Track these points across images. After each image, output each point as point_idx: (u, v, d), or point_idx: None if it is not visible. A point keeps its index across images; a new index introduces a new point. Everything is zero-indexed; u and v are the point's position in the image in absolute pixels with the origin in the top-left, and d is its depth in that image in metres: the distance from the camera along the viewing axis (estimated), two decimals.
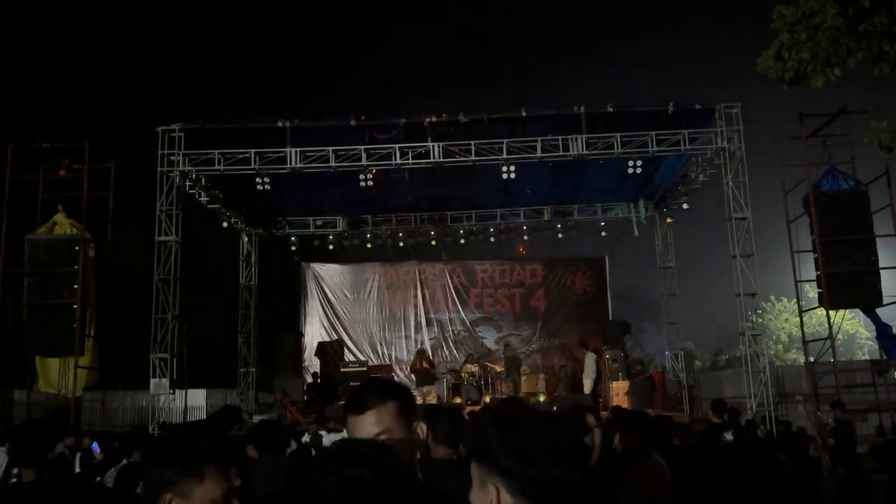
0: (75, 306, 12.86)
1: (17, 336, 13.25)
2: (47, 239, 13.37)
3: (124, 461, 5.80)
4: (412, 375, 18.52)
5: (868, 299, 13.02)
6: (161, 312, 14.25)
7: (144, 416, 14.76)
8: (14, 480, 5.18)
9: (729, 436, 7.61)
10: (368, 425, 2.05)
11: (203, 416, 16.81)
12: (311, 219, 19.74)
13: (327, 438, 8.89)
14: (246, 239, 19.42)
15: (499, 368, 18.62)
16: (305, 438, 8.95)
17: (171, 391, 14.13)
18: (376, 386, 2.16)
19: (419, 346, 20.26)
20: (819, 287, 13.33)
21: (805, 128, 13.48)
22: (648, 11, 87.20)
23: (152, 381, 13.96)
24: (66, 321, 12.91)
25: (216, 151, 14.66)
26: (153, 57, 58.37)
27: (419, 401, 17.05)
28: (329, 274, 22.00)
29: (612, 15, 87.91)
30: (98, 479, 5.75)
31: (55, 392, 13.58)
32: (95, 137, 13.84)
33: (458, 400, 17.11)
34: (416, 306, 21.67)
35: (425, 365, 17.91)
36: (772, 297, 41.16)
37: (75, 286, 12.93)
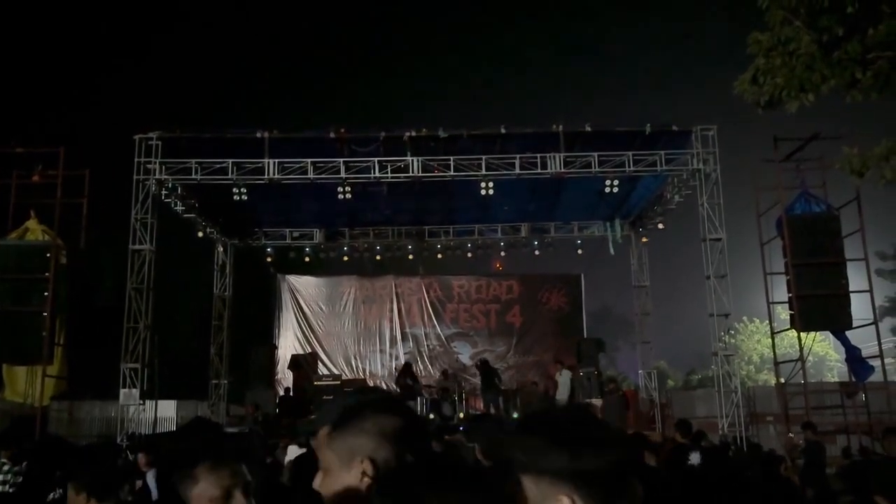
0: (45, 314, 12.64)
1: None
2: (18, 245, 13.17)
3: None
4: (397, 389, 18.48)
5: (838, 322, 13.19)
6: (133, 322, 14.07)
7: (113, 426, 14.51)
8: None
9: (696, 457, 7.64)
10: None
11: (173, 427, 16.58)
12: (287, 230, 19.64)
13: (292, 452, 8.70)
14: (221, 249, 19.27)
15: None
16: (292, 454, 8.54)
17: (142, 402, 13.92)
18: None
19: (405, 360, 20.18)
20: (791, 309, 13.48)
21: (779, 152, 13.68)
22: (627, 33, 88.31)
23: (122, 391, 13.75)
24: (35, 329, 12.68)
25: (193, 161, 14.55)
26: (130, 64, 57.94)
27: None
28: (304, 286, 21.89)
29: (591, 37, 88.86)
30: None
31: (21, 401, 13.33)
32: (70, 144, 13.66)
33: (433, 416, 17.03)
34: (391, 320, 21.61)
35: (408, 381, 17.85)
36: (744, 318, 41.58)
37: (46, 293, 12.72)
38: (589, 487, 1.26)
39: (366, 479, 1.58)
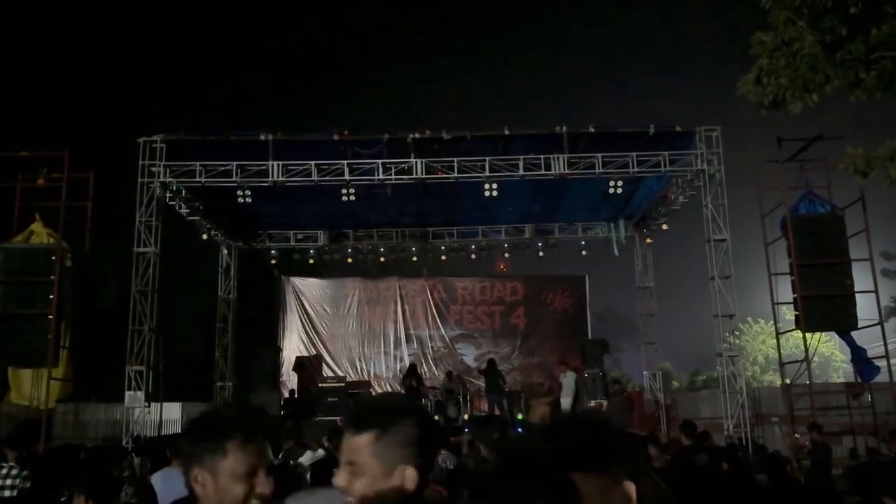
0: (50, 316, 12.65)
1: None
2: (23, 248, 13.19)
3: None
4: (402, 391, 18.48)
5: (843, 322, 13.14)
6: (138, 324, 14.09)
7: (118, 429, 14.53)
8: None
9: (703, 458, 7.63)
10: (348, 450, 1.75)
11: (178, 429, 16.59)
12: (291, 232, 19.66)
13: (306, 457, 8.67)
14: (225, 251, 19.29)
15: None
16: (309, 457, 8.50)
17: (146, 404, 13.95)
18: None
19: (410, 362, 20.17)
20: (796, 309, 13.44)
21: (783, 152, 13.65)
22: (629, 34, 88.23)
23: (127, 393, 13.77)
24: (40, 332, 12.68)
25: (197, 163, 14.56)
26: (133, 66, 58.12)
27: None
28: (309, 288, 21.90)
29: (592, 37, 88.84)
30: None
31: (27, 404, 13.36)
32: (75, 146, 13.69)
33: (437, 418, 17.02)
34: (395, 322, 21.61)
35: (413, 383, 17.85)
36: (749, 319, 41.41)
37: (51, 296, 12.74)
38: (633, 478, 1.54)
39: (407, 486, 1.69)
